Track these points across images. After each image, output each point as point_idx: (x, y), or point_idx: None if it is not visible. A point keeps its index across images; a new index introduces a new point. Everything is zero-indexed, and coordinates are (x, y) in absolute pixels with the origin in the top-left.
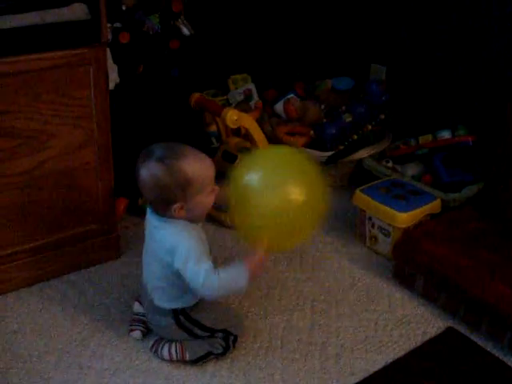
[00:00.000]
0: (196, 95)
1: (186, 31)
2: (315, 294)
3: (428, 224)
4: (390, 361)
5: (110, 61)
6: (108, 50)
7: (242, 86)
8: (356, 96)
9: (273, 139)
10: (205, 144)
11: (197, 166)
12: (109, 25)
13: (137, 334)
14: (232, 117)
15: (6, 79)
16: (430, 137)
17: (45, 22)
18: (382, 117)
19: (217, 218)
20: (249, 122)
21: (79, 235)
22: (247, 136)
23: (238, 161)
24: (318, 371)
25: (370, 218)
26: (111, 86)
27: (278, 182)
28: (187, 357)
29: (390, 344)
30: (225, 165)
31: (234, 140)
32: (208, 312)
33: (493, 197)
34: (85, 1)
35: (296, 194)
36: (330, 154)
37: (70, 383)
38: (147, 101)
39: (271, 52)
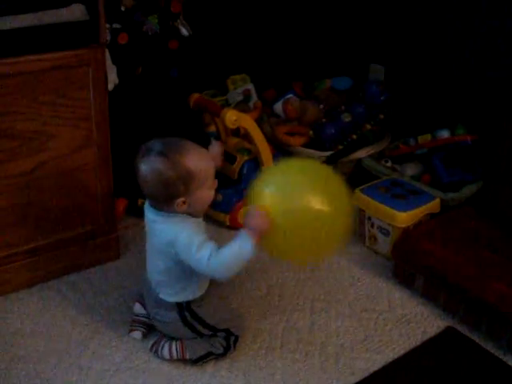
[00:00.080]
0: (195, 95)
1: (184, 32)
2: (315, 293)
3: (427, 223)
4: (389, 360)
5: (108, 62)
6: (107, 50)
7: (241, 86)
8: (355, 96)
9: (272, 139)
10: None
11: (198, 160)
12: (107, 25)
13: (137, 334)
14: (231, 117)
15: (6, 80)
16: (429, 136)
17: (43, 23)
18: (381, 116)
19: (217, 217)
20: (248, 123)
21: (79, 236)
22: (246, 136)
23: (237, 161)
24: (317, 371)
25: (369, 218)
26: (110, 86)
27: (307, 190)
28: (187, 356)
29: (389, 343)
30: (224, 165)
31: (234, 140)
32: (213, 310)
33: (492, 196)
34: (83, 2)
35: (323, 204)
36: (329, 153)
37: None
38: (146, 101)
39: (270, 52)
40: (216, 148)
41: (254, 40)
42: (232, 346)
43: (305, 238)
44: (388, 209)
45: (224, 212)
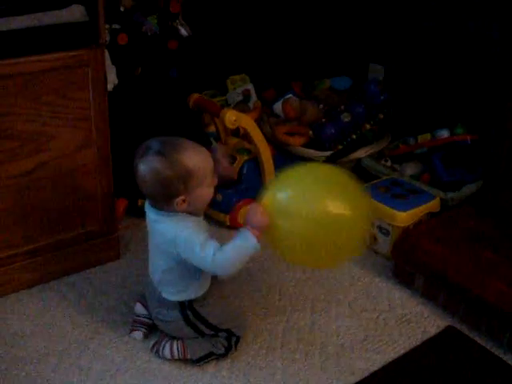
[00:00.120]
0: (195, 96)
1: (184, 32)
2: (315, 293)
3: (427, 223)
4: (389, 360)
5: (108, 62)
6: (106, 51)
7: (241, 86)
8: (354, 95)
9: (272, 139)
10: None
11: (197, 158)
12: (107, 26)
13: (138, 334)
14: (231, 117)
15: (6, 81)
16: (428, 136)
17: (43, 23)
18: (381, 116)
19: (217, 217)
20: (247, 123)
21: (79, 236)
22: (246, 136)
23: (237, 161)
24: (318, 371)
25: None
26: (109, 87)
27: (325, 193)
28: (189, 355)
29: (389, 343)
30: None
31: (233, 140)
32: (215, 310)
33: (492, 195)
34: (83, 2)
35: (341, 208)
36: (328, 153)
37: None
38: (146, 102)
39: (269, 52)
40: (219, 152)
41: (254, 40)
42: (233, 346)
43: (324, 243)
44: (388, 208)
45: (224, 212)
